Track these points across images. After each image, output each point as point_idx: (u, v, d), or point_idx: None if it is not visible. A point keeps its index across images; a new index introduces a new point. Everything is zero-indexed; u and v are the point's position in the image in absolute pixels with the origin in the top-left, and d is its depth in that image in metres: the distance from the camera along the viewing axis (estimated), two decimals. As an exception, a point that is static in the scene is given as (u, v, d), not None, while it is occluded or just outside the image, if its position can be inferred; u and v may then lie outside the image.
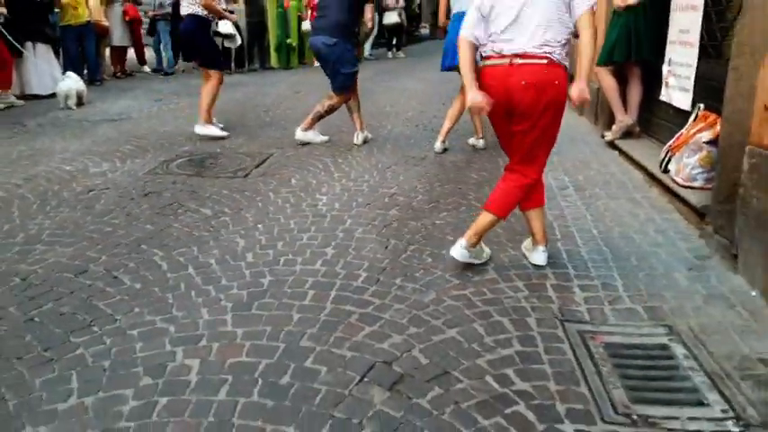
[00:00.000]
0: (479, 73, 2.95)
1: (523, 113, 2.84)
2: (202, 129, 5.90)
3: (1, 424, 1.95)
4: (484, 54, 2.93)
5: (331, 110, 5.64)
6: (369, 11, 5.59)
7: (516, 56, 2.78)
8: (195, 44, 5.99)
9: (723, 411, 2.05)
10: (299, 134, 5.68)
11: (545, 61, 2.77)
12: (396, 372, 2.22)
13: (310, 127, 5.68)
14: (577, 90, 2.84)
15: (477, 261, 3.08)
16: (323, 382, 2.16)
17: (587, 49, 2.87)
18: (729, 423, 1.98)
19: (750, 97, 2.99)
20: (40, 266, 3.09)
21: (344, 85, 5.52)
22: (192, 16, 5.77)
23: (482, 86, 2.90)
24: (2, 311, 2.65)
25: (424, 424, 1.95)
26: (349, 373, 2.21)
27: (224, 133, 5.99)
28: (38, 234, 3.52)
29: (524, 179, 3.01)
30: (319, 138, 5.72)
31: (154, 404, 2.04)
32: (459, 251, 3.00)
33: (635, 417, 2.02)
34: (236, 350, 2.35)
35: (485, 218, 3.02)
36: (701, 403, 2.10)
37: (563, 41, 2.82)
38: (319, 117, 5.65)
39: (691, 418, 2.01)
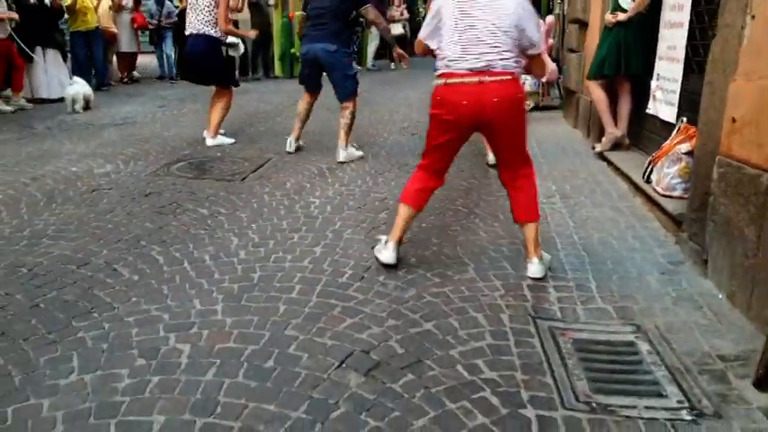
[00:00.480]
0: (441, 89, 3.03)
1: (498, 126, 3.03)
2: (213, 141, 5.93)
3: (8, 396, 2.12)
4: (448, 70, 3.00)
5: (353, 117, 5.57)
6: (370, 12, 5.56)
7: (484, 73, 2.93)
8: (206, 65, 5.83)
9: (679, 402, 2.18)
10: (343, 155, 5.46)
11: (510, 77, 2.97)
12: (372, 359, 2.37)
13: (348, 142, 5.55)
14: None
15: (548, 269, 3.20)
16: (304, 366, 2.32)
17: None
18: (683, 412, 2.11)
19: (722, 110, 3.13)
20: (46, 258, 3.27)
21: (353, 89, 5.54)
22: (204, 36, 5.67)
23: (447, 101, 3.00)
24: (10, 298, 2.83)
25: (395, 405, 2.10)
26: (329, 359, 2.37)
27: (232, 140, 6.10)
28: (44, 229, 3.71)
29: (531, 176, 3.24)
30: (360, 153, 5.66)
31: (147, 382, 2.21)
32: (538, 269, 3.13)
33: (594, 405, 2.15)
34: (224, 337, 2.52)
35: (534, 228, 3.18)
36: (659, 395, 2.23)
37: (519, 57, 3.04)
38: (350, 128, 5.56)
39: (647, 408, 2.14)
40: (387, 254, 3.19)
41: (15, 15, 7.93)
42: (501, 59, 2.94)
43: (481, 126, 3.07)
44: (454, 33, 2.98)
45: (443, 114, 3.04)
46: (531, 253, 3.17)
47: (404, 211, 3.25)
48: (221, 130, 6.18)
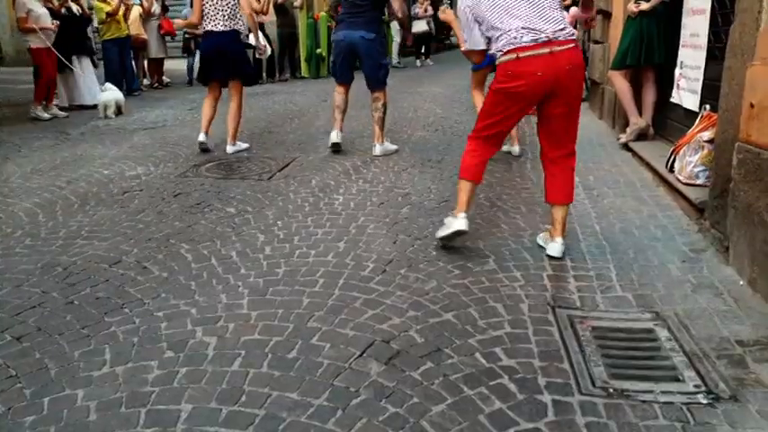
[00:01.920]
0: (512, 63, 3.06)
1: (565, 96, 3.12)
2: (234, 148, 5.92)
3: (45, 387, 2.24)
4: (515, 46, 3.03)
5: (386, 109, 5.73)
6: (396, 3, 5.63)
7: (552, 43, 3.01)
8: (234, 59, 5.85)
9: (696, 386, 2.19)
10: (380, 149, 5.67)
11: (573, 45, 3.07)
12: (393, 348, 2.43)
13: (383, 138, 5.74)
14: None
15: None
16: (326, 356, 2.39)
17: None
18: (700, 396, 2.13)
19: (741, 96, 3.12)
20: (80, 258, 3.40)
21: (385, 77, 5.68)
22: (236, 32, 5.77)
23: (521, 74, 3.04)
24: (46, 296, 2.96)
25: (414, 392, 2.16)
26: (350, 349, 2.43)
27: (247, 144, 6.10)
28: (78, 230, 3.85)
29: (573, 156, 3.36)
30: (395, 146, 5.85)
31: (175, 373, 2.30)
32: (560, 248, 3.24)
33: (611, 390, 2.18)
34: (249, 329, 2.60)
35: (565, 210, 3.30)
36: (676, 379, 2.24)
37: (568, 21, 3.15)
38: (383, 122, 5.73)
39: (664, 392, 2.16)
40: (460, 222, 3.29)
41: (54, 25, 8.12)
42: (558, 27, 3.04)
43: (552, 95, 3.10)
44: (511, 11, 3.07)
45: (517, 87, 3.08)
46: (556, 232, 3.27)
47: (467, 186, 3.32)
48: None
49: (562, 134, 3.27)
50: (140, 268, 3.25)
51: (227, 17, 5.73)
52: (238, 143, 6.02)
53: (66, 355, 2.44)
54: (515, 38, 3.04)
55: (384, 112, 5.72)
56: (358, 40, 5.49)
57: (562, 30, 3.04)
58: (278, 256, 3.36)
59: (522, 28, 3.03)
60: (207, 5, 5.75)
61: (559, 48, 3.02)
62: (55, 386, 2.24)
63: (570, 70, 3.05)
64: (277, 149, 6.06)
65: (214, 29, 5.79)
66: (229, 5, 5.72)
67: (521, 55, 3.04)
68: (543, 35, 3.01)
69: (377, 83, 5.67)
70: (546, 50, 3.01)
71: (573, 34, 3.07)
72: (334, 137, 5.81)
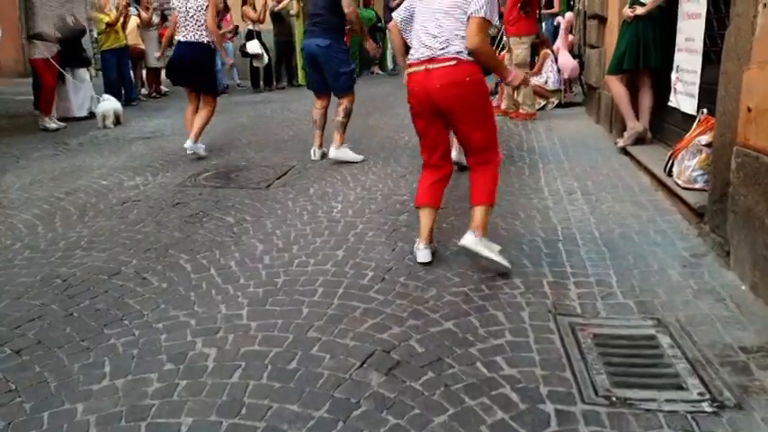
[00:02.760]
0: (408, 77, 3.23)
1: (448, 111, 3.12)
2: (193, 146, 5.90)
3: (44, 401, 2.22)
4: (410, 60, 3.20)
5: (349, 114, 5.68)
6: (345, 5, 5.42)
7: (432, 60, 3.06)
8: (197, 72, 5.95)
9: (700, 394, 2.17)
10: (334, 153, 5.64)
11: (454, 62, 3.04)
12: (393, 358, 2.42)
13: (343, 142, 5.68)
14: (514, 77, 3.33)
15: (491, 254, 3.10)
16: (326, 367, 2.38)
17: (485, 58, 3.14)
18: (704, 404, 2.11)
19: (738, 100, 3.12)
20: (79, 269, 3.39)
21: (348, 85, 5.63)
22: (197, 44, 5.84)
23: (408, 90, 3.20)
24: (46, 308, 2.95)
25: (415, 403, 2.15)
26: (350, 359, 2.42)
27: (206, 153, 6.07)
28: (77, 241, 3.84)
29: (494, 162, 3.30)
30: (358, 157, 5.70)
31: (175, 386, 2.29)
32: (471, 239, 3.10)
33: (614, 399, 2.16)
34: (249, 340, 2.59)
35: (480, 211, 3.19)
36: (680, 387, 2.22)
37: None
38: (344, 126, 5.68)
39: (668, 400, 2.14)
40: (420, 254, 3.32)
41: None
42: (442, 47, 3.04)
43: (438, 112, 3.15)
44: (416, 23, 3.17)
45: (410, 102, 3.24)
46: (472, 226, 3.16)
47: (422, 214, 3.36)
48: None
49: (470, 145, 3.28)
50: (139, 279, 3.24)
51: (191, 28, 5.82)
52: (199, 144, 5.99)
53: (65, 368, 2.43)
54: (413, 52, 3.15)
55: (345, 117, 5.66)
56: (314, 48, 5.49)
57: (445, 47, 3.03)
58: (277, 266, 3.35)
59: (418, 43, 3.12)
60: (179, 16, 5.88)
61: (435, 65, 3.05)
62: (55, 400, 2.23)
63: (441, 89, 3.04)
64: (275, 157, 6.05)
65: (181, 39, 5.92)
66: (194, 17, 5.80)
67: (409, 71, 3.18)
68: (428, 51, 3.06)
69: (338, 90, 5.66)
70: (422, 68, 3.09)
71: (458, 52, 3.02)
72: (313, 154, 5.86)
